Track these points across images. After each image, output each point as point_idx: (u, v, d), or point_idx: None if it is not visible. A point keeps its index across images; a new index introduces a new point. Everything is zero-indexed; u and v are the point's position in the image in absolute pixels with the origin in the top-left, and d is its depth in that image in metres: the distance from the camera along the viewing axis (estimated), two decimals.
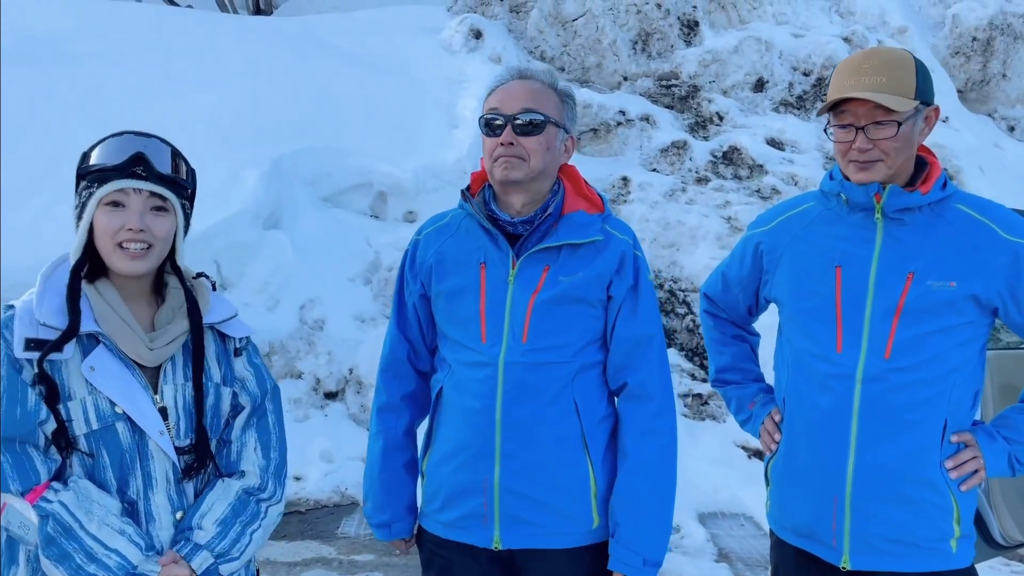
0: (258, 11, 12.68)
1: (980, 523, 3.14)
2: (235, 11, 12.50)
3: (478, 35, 7.83)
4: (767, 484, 2.12)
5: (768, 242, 2.07)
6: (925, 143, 1.97)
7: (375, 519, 2.08)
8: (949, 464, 1.88)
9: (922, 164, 1.94)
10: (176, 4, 12.14)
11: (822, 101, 7.33)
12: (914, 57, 1.89)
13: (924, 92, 1.87)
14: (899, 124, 1.83)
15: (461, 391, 1.93)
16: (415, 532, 2.10)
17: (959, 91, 8.10)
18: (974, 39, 8.11)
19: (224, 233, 5.24)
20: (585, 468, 1.92)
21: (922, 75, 1.87)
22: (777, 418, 2.07)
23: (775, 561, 2.13)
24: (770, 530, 2.13)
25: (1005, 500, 3.13)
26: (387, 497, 2.07)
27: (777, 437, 2.06)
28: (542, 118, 1.87)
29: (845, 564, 1.92)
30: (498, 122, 1.88)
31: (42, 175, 5.41)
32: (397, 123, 6.69)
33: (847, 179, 1.95)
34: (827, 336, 1.93)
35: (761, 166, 6.72)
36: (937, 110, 1.91)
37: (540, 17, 7.90)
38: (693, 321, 5.68)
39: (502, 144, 1.86)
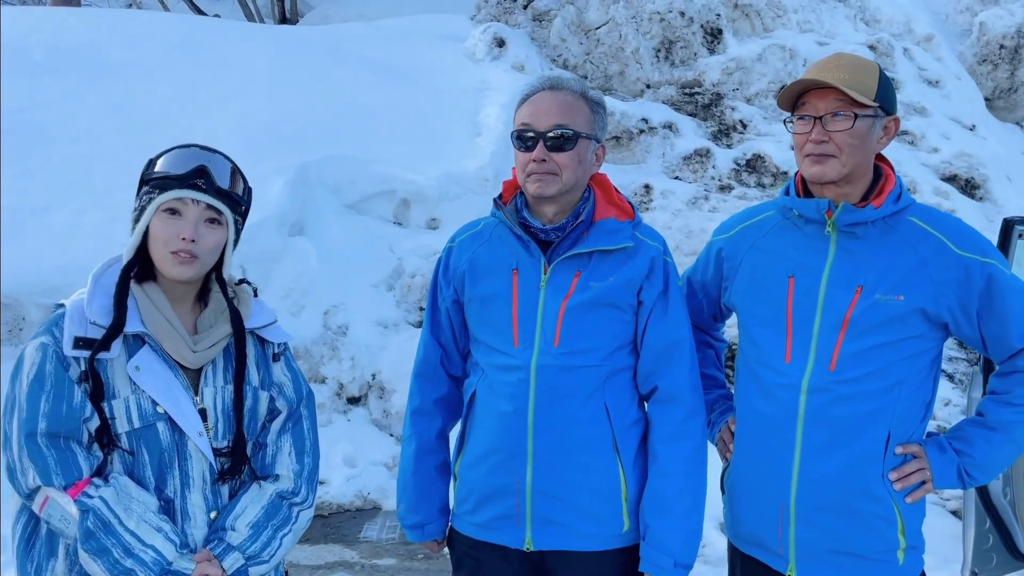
0: (284, 20, 12.82)
1: (1005, 535, 3.11)
2: (261, 20, 12.65)
3: (501, 44, 7.86)
4: (723, 493, 2.14)
5: (728, 249, 2.10)
6: (887, 154, 1.99)
7: (408, 520, 2.12)
8: (893, 476, 1.90)
9: (879, 176, 1.95)
10: (204, 14, 12.31)
11: None
12: (880, 68, 1.93)
13: (885, 99, 1.89)
14: (856, 116, 1.85)
15: (494, 394, 1.97)
16: (447, 533, 2.13)
17: (986, 99, 8.02)
18: (1002, 47, 8.03)
19: (250, 239, 5.29)
20: (616, 471, 1.95)
21: (884, 83, 1.90)
22: (734, 428, 2.09)
23: (730, 568, 2.17)
24: (727, 538, 2.16)
25: None
26: (420, 499, 2.10)
27: (732, 447, 2.08)
28: (573, 133, 1.90)
29: (791, 573, 1.95)
30: (530, 135, 1.91)
31: (73, 183, 5.50)
32: (421, 131, 6.73)
33: (802, 194, 1.98)
34: (777, 345, 1.95)
35: (785, 173, 6.69)
36: (897, 121, 1.93)
37: (563, 25, 7.92)
38: None
39: (534, 160, 1.90)
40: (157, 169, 1.74)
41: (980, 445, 1.92)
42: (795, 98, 1.93)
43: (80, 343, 1.66)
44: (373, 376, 5.19)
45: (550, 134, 1.89)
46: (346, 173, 6.15)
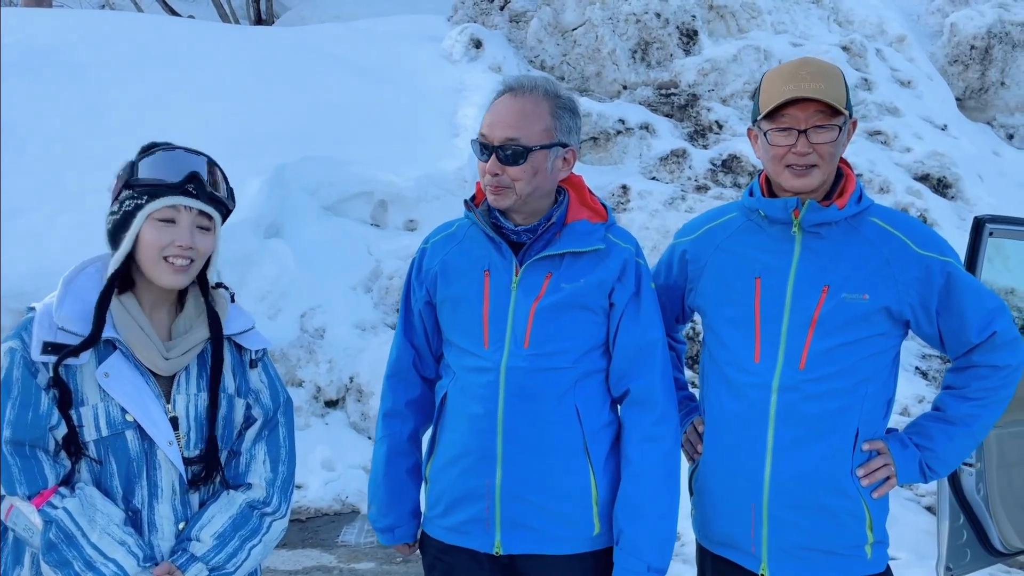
0: (259, 21, 12.73)
1: (979, 530, 3.14)
2: (236, 21, 12.55)
3: (478, 44, 7.86)
4: (691, 494, 2.15)
5: (693, 251, 2.11)
6: (846, 156, 2.03)
7: (379, 523, 2.10)
8: (860, 472, 1.93)
9: (839, 176, 1.98)
10: (178, 15, 12.20)
11: None
12: (841, 72, 1.95)
13: (849, 105, 1.93)
14: (839, 129, 1.88)
15: (464, 396, 1.95)
16: (419, 537, 2.12)
17: (957, 99, 8.12)
18: (972, 47, 8.13)
19: (226, 241, 5.20)
20: (586, 474, 1.93)
21: (848, 90, 1.94)
22: (701, 429, 2.09)
23: (699, 570, 2.17)
24: (696, 540, 2.16)
25: (1004, 507, 3.13)
26: (391, 501, 2.08)
27: (700, 448, 2.08)
28: (523, 149, 1.87)
29: (764, 571, 1.96)
30: (484, 146, 1.90)
31: (45, 185, 5.44)
32: (398, 132, 6.71)
33: (767, 195, 1.99)
34: (746, 346, 1.97)
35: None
36: (855, 123, 1.97)
37: (540, 26, 7.93)
38: (693, 329, 5.70)
39: (489, 173, 1.90)
40: (144, 175, 1.68)
41: (940, 439, 1.97)
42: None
43: (49, 348, 1.61)
44: (351, 379, 5.16)
45: (500, 148, 1.88)
46: (323, 174, 6.12)
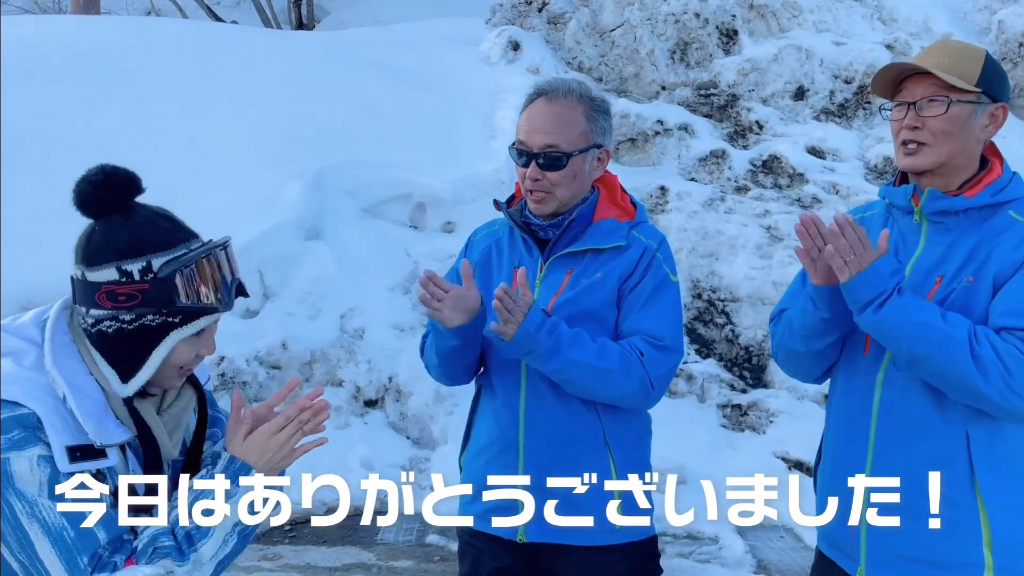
0: (300, 26, 12.90)
1: None
2: (278, 26, 12.73)
3: (516, 47, 7.88)
4: (814, 487, 2.06)
5: None
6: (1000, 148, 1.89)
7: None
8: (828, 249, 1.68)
9: (983, 165, 1.86)
10: (221, 20, 12.40)
11: (864, 108, 7.23)
12: (988, 54, 1.82)
13: (990, 85, 1.79)
14: (951, 102, 1.76)
15: (491, 388, 2.06)
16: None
17: None
18: (1021, 45, 7.95)
19: (267, 244, 5.33)
20: (607, 465, 1.97)
21: (991, 70, 1.80)
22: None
23: (813, 569, 2.09)
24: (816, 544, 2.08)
25: None
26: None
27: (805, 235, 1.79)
28: (563, 154, 1.92)
29: None
30: (523, 152, 1.96)
31: None
32: (436, 135, 6.76)
33: (895, 184, 1.91)
34: (858, 338, 1.87)
35: (802, 175, 6.66)
36: (1005, 109, 1.83)
37: (578, 28, 7.92)
38: (732, 331, 5.64)
39: (530, 179, 1.95)
40: (186, 301, 1.40)
41: (916, 311, 1.70)
42: (894, 86, 1.84)
43: (78, 453, 1.36)
44: (390, 379, 5.20)
45: (541, 154, 1.93)
46: (362, 177, 6.18)
